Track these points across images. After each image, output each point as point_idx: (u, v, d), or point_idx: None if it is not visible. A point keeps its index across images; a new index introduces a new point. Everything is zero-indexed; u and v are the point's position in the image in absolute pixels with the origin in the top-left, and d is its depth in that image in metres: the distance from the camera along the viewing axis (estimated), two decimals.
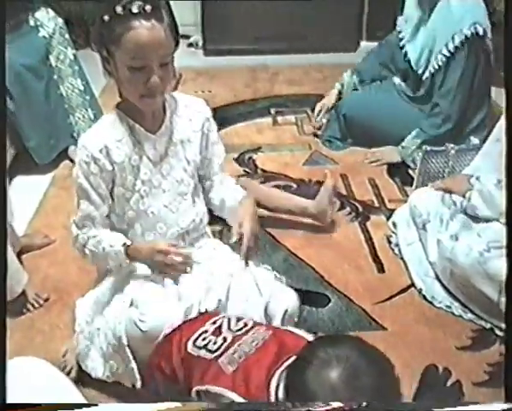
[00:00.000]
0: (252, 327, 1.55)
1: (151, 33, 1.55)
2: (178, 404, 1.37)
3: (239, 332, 1.53)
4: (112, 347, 1.76)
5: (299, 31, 4.73)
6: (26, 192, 2.92)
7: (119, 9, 1.54)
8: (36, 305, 2.22)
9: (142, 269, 1.81)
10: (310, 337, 1.49)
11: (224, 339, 1.51)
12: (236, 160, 3.15)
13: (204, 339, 1.53)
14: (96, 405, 1.34)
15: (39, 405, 1.18)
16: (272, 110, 3.80)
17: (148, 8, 1.54)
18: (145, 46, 1.55)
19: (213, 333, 1.54)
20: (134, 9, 1.53)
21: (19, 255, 2.33)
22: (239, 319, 1.59)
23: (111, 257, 1.74)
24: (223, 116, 3.67)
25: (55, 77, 3.10)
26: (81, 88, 3.20)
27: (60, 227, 2.67)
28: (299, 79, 4.31)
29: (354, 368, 1.16)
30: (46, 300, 2.25)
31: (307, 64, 4.53)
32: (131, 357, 1.72)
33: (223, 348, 1.48)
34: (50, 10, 3.10)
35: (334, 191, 2.64)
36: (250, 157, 3.20)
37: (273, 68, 4.49)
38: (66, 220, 2.69)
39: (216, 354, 1.47)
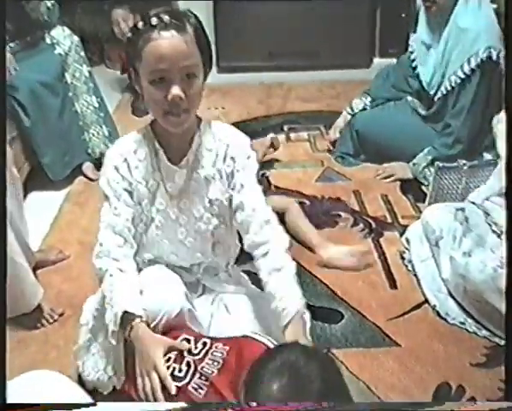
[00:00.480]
0: (210, 346, 1.53)
1: (170, 43, 1.52)
2: (183, 404, 1.38)
3: (199, 355, 1.51)
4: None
5: (312, 47, 4.74)
6: (40, 207, 2.95)
7: (140, 24, 1.54)
8: (51, 320, 2.24)
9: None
10: (270, 344, 1.48)
11: (188, 364, 1.49)
12: None
13: (168, 367, 1.49)
14: (94, 405, 1.35)
15: (39, 405, 1.19)
16: (285, 127, 3.82)
17: (167, 18, 1.52)
18: (163, 56, 1.51)
19: (176, 360, 1.51)
20: (154, 22, 1.52)
21: (33, 270, 2.34)
22: (197, 340, 1.55)
23: (108, 312, 1.62)
24: None
25: (70, 94, 3.14)
26: (96, 105, 3.23)
27: (74, 243, 2.69)
28: (312, 95, 4.33)
29: (301, 374, 1.18)
30: (61, 315, 2.27)
31: (320, 81, 4.54)
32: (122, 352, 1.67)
33: (189, 375, 1.47)
34: (65, 28, 3.15)
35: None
36: (263, 174, 3.21)
37: (286, 84, 4.52)
38: (80, 236, 2.74)
39: (184, 382, 1.46)
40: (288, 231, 2.50)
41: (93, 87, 3.23)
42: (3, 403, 1.20)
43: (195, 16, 1.62)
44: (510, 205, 1.39)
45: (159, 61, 1.52)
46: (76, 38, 3.17)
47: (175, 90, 1.53)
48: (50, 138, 3.07)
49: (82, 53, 3.19)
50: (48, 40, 3.09)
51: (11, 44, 2.98)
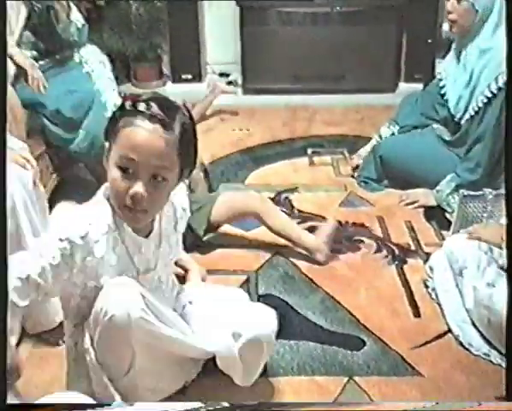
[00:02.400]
0: None
1: (148, 137, 1.43)
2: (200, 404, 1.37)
3: None
4: None
5: (337, 71, 4.77)
6: None
7: (128, 104, 1.48)
8: None
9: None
10: None
11: None
12: (273, 200, 3.17)
13: None
14: (102, 406, 1.34)
15: (39, 405, 1.18)
16: (309, 150, 3.83)
17: (155, 109, 1.45)
18: (136, 147, 1.43)
19: None
20: (141, 107, 1.45)
21: None
22: None
23: None
24: (261, 154, 3.73)
25: None
26: None
27: None
28: (336, 119, 4.34)
29: None
30: None
31: (345, 105, 4.56)
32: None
33: None
34: (94, 47, 3.18)
35: (333, 231, 2.70)
36: (286, 197, 3.22)
37: (311, 107, 4.54)
38: None
39: None
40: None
41: None
42: (4, 403, 1.19)
43: (188, 111, 1.55)
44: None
45: (131, 150, 1.44)
46: (104, 57, 3.21)
47: (139, 187, 1.45)
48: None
49: (110, 72, 3.22)
50: (76, 58, 3.13)
51: (41, 62, 3.02)
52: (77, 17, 3.11)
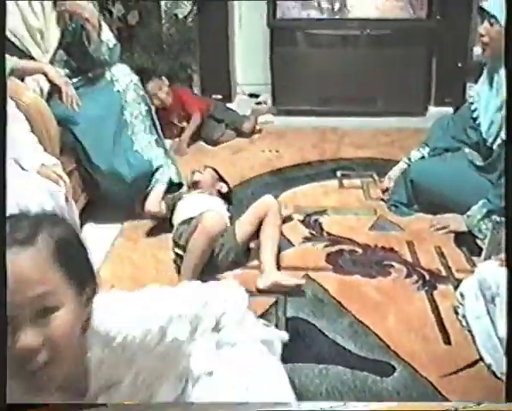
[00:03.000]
0: None
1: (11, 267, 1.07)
2: None
3: None
4: None
5: (367, 94, 4.78)
6: (94, 241, 2.98)
7: None
8: None
9: None
10: None
11: None
12: (302, 222, 3.17)
13: None
14: (105, 405, 1.33)
15: (39, 405, 1.16)
16: (338, 173, 3.82)
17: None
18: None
19: None
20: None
21: None
22: None
23: None
24: (290, 176, 3.73)
25: (128, 132, 3.17)
26: (153, 143, 3.26)
27: (126, 278, 2.72)
28: (366, 142, 4.33)
29: None
30: None
31: (375, 128, 4.55)
32: None
33: None
34: (125, 66, 3.21)
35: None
36: (316, 220, 3.21)
37: (340, 130, 4.54)
38: (132, 271, 2.76)
39: None
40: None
41: (150, 125, 3.26)
42: (4, 403, 1.16)
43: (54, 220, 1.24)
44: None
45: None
46: (135, 77, 3.23)
47: (24, 338, 1.06)
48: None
49: (141, 91, 3.24)
50: (108, 77, 3.15)
51: (74, 80, 3.05)
52: (108, 37, 3.14)
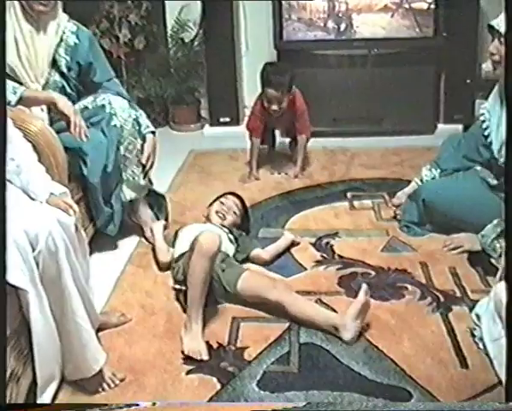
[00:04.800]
0: None
1: None
2: None
3: None
4: None
5: (376, 114, 4.77)
6: (104, 269, 2.99)
7: None
8: (112, 385, 2.21)
9: None
10: None
11: None
12: (313, 245, 3.14)
13: None
14: (106, 405, 1.31)
15: (39, 405, 1.16)
16: (349, 194, 3.80)
17: None
18: None
19: None
20: None
21: (96, 333, 2.34)
22: None
23: None
24: (301, 199, 3.70)
25: (121, 166, 3.15)
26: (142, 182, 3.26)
27: (136, 305, 2.70)
28: (375, 162, 4.32)
29: None
30: (122, 380, 2.24)
31: (384, 147, 4.53)
32: None
33: None
34: (125, 102, 3.16)
35: (365, 307, 2.45)
36: (327, 243, 3.18)
37: (350, 150, 4.52)
38: (143, 299, 2.74)
39: None
40: None
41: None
42: (4, 403, 1.16)
43: None
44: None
45: None
46: (134, 112, 3.17)
47: None
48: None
49: (138, 126, 3.18)
50: (108, 109, 3.11)
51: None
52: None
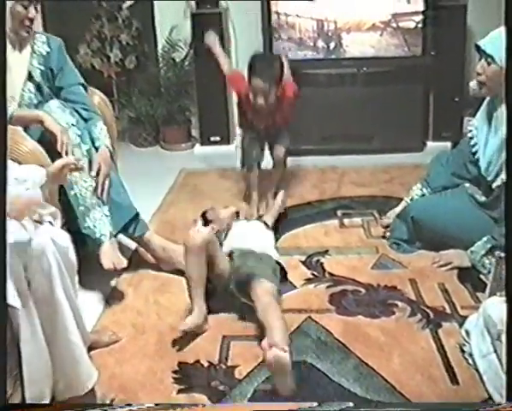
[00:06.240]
0: None
1: None
2: None
3: None
4: None
5: (365, 132, 4.81)
6: (94, 287, 2.99)
7: None
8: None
9: None
10: None
11: None
12: (304, 263, 3.15)
13: None
14: (110, 405, 1.31)
15: (39, 405, 1.16)
16: (339, 212, 3.80)
17: None
18: None
19: None
20: None
21: (87, 352, 2.33)
22: None
23: None
24: (291, 217, 3.71)
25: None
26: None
27: (128, 325, 2.70)
28: (365, 180, 4.33)
29: None
30: (112, 400, 2.22)
31: (374, 165, 4.56)
32: None
33: None
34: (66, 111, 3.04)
35: None
36: (318, 260, 3.19)
37: (339, 168, 4.54)
38: (134, 318, 2.74)
39: None
40: None
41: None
42: (4, 403, 1.16)
43: None
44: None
45: None
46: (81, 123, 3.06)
47: None
48: None
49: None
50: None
51: None
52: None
